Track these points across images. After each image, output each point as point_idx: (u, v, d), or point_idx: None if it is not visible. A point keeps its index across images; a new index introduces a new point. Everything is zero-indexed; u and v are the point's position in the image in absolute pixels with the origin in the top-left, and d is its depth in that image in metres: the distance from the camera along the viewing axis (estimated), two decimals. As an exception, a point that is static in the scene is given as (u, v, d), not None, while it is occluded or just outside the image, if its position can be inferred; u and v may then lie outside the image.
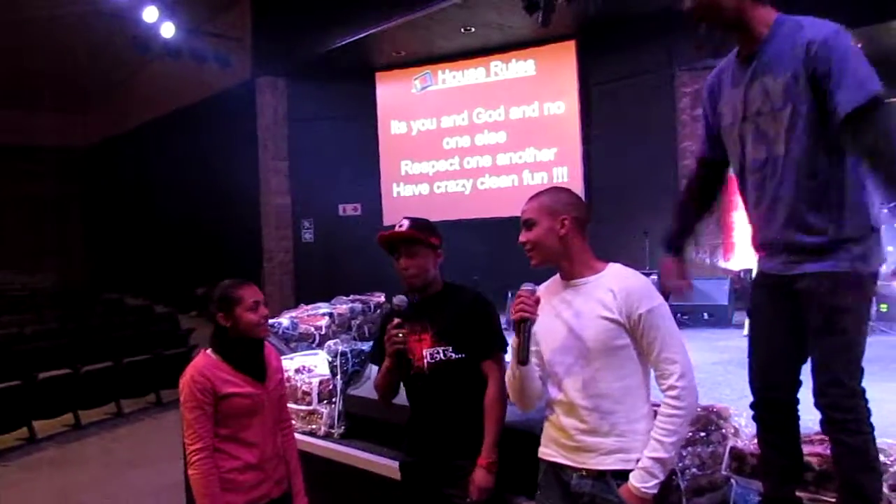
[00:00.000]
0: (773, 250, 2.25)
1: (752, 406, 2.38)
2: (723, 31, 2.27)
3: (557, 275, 2.36)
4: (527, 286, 2.27)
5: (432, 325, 2.78)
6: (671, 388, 2.14)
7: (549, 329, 2.29)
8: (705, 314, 7.72)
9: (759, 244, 2.32)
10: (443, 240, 2.93)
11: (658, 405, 2.21)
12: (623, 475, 2.16)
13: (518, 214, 2.32)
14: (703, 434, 2.73)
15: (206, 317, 2.74)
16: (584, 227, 2.30)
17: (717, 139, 2.43)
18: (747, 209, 2.35)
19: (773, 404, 2.33)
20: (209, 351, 2.75)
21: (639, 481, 2.11)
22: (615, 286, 2.20)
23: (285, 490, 2.87)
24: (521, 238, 2.29)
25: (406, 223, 2.86)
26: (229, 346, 2.73)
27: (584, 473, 2.22)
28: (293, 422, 3.77)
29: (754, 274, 2.44)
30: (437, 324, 2.77)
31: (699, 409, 2.84)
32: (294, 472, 2.93)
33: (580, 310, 2.23)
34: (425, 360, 2.76)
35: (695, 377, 2.18)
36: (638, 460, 2.15)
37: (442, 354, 2.74)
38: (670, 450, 2.13)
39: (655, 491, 2.12)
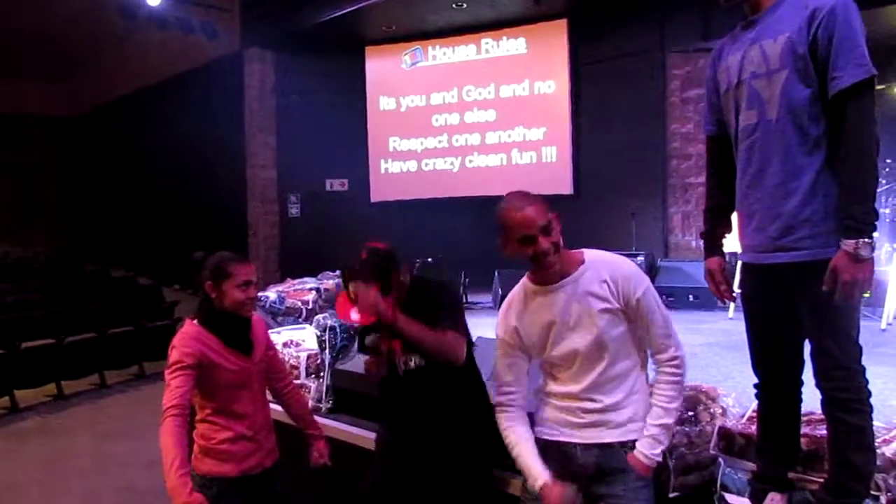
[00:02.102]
0: (760, 220, 2.21)
1: (755, 386, 2.40)
2: None
3: (525, 279, 2.36)
4: (570, 495, 2.19)
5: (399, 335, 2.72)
6: (673, 358, 2.26)
7: (550, 339, 2.30)
8: (691, 296, 7.75)
9: (746, 213, 2.29)
10: (397, 270, 2.68)
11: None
12: (627, 444, 2.26)
13: (506, 193, 2.27)
14: (691, 414, 2.76)
15: (195, 284, 2.73)
16: None
17: (720, 111, 2.39)
18: (737, 178, 2.32)
19: (776, 386, 2.34)
20: (195, 321, 2.73)
21: (647, 448, 2.21)
22: (606, 275, 2.23)
23: (276, 460, 2.89)
24: (543, 246, 2.18)
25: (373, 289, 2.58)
26: (216, 320, 2.72)
27: (583, 450, 2.28)
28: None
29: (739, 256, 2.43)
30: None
31: (689, 390, 2.88)
32: (309, 421, 3.02)
33: (579, 309, 2.25)
34: (399, 368, 2.76)
35: None
36: (642, 430, 2.24)
37: (413, 363, 2.72)
38: (674, 415, 2.26)
39: (661, 458, 2.24)
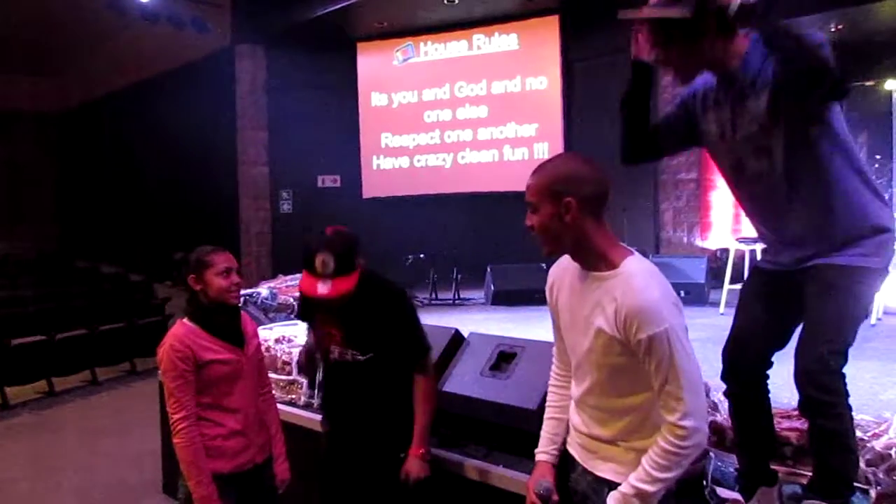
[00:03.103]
0: (783, 247, 2.25)
1: (722, 379, 2.38)
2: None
3: None
4: (540, 487, 2.10)
5: (342, 325, 2.72)
6: (674, 425, 1.83)
7: (564, 320, 2.09)
8: (682, 292, 7.75)
9: (773, 239, 2.31)
10: (359, 253, 2.63)
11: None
12: (615, 486, 1.94)
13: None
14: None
15: (180, 281, 2.77)
16: (600, 207, 1.94)
17: (673, 127, 2.44)
18: (752, 215, 2.35)
19: (741, 381, 2.35)
20: (185, 319, 2.76)
21: (615, 502, 1.91)
22: (619, 298, 1.86)
23: (268, 455, 2.91)
24: (527, 222, 1.97)
25: (330, 263, 2.52)
26: (205, 313, 2.75)
27: (583, 470, 2.08)
28: (274, 391, 3.79)
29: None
30: (347, 325, 2.71)
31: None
32: (275, 437, 2.98)
33: (586, 314, 1.96)
34: (332, 356, 2.77)
35: (706, 415, 1.93)
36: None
37: (350, 357, 2.72)
38: (658, 486, 1.85)
39: None
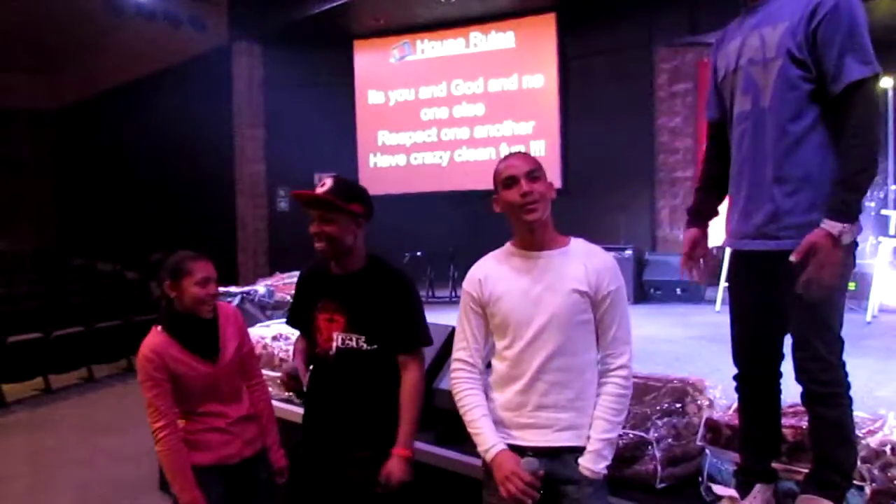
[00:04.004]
0: (746, 207, 2.24)
1: (735, 378, 2.42)
2: None
3: (508, 245, 2.27)
4: (529, 465, 2.09)
5: (347, 309, 2.57)
6: (622, 367, 2.14)
7: (514, 301, 2.18)
8: (678, 290, 7.81)
9: (734, 199, 2.31)
10: (371, 208, 2.64)
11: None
12: (577, 450, 2.12)
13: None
14: (678, 405, 2.79)
15: (156, 286, 2.74)
16: None
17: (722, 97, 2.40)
18: (737, 176, 2.32)
19: (755, 379, 2.36)
20: (160, 328, 2.72)
21: (592, 463, 2.09)
22: (586, 261, 2.16)
23: (258, 449, 2.87)
24: (531, 187, 2.12)
25: (328, 183, 2.53)
26: (178, 323, 2.71)
27: (531, 453, 2.12)
28: (271, 388, 3.78)
29: (728, 252, 2.45)
30: (352, 308, 2.57)
31: (676, 382, 2.90)
32: (267, 427, 2.93)
33: (551, 282, 2.15)
34: (333, 344, 2.59)
35: None
36: (589, 437, 2.12)
37: (354, 343, 2.56)
38: (617, 431, 2.15)
39: (607, 472, 2.11)
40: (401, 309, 2.56)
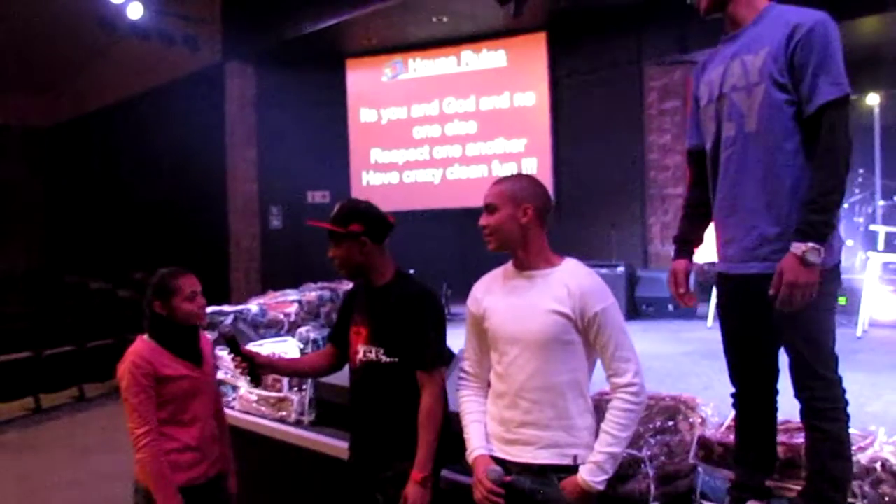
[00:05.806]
0: (735, 231, 2.26)
1: (732, 395, 2.44)
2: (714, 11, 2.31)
3: (510, 262, 2.35)
4: (492, 473, 2.20)
5: (370, 322, 2.69)
6: (629, 384, 2.15)
7: (501, 318, 2.28)
8: (670, 306, 7.82)
9: (721, 224, 2.34)
10: (377, 223, 2.71)
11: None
12: (562, 470, 2.17)
13: None
14: (670, 423, 2.80)
15: (142, 305, 2.74)
16: (545, 219, 2.30)
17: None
18: (712, 189, 2.37)
19: (752, 397, 2.38)
20: (146, 337, 2.80)
21: (590, 475, 2.11)
22: (571, 283, 2.19)
23: (220, 470, 2.94)
24: (482, 221, 2.27)
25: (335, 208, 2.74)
26: (167, 333, 2.78)
27: (517, 470, 2.21)
28: (262, 408, 3.81)
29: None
30: (375, 321, 2.68)
31: (668, 400, 2.91)
32: (227, 453, 3.03)
33: (534, 302, 2.22)
34: (358, 357, 2.71)
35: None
36: (575, 457, 2.16)
37: (374, 355, 2.66)
38: (623, 444, 2.16)
39: (603, 487, 2.13)
40: (415, 326, 2.61)
